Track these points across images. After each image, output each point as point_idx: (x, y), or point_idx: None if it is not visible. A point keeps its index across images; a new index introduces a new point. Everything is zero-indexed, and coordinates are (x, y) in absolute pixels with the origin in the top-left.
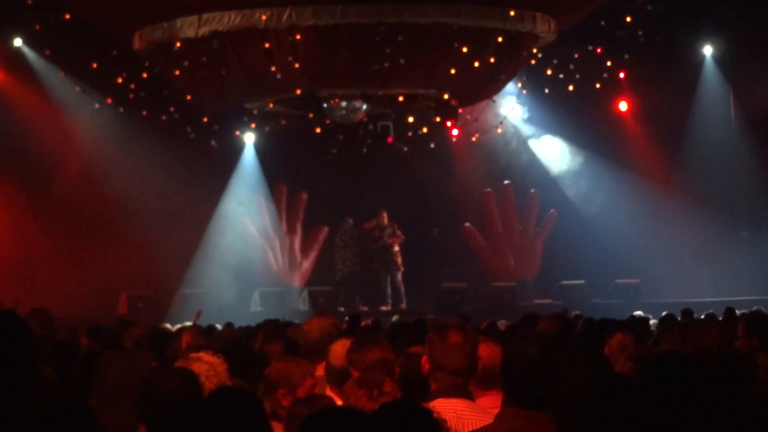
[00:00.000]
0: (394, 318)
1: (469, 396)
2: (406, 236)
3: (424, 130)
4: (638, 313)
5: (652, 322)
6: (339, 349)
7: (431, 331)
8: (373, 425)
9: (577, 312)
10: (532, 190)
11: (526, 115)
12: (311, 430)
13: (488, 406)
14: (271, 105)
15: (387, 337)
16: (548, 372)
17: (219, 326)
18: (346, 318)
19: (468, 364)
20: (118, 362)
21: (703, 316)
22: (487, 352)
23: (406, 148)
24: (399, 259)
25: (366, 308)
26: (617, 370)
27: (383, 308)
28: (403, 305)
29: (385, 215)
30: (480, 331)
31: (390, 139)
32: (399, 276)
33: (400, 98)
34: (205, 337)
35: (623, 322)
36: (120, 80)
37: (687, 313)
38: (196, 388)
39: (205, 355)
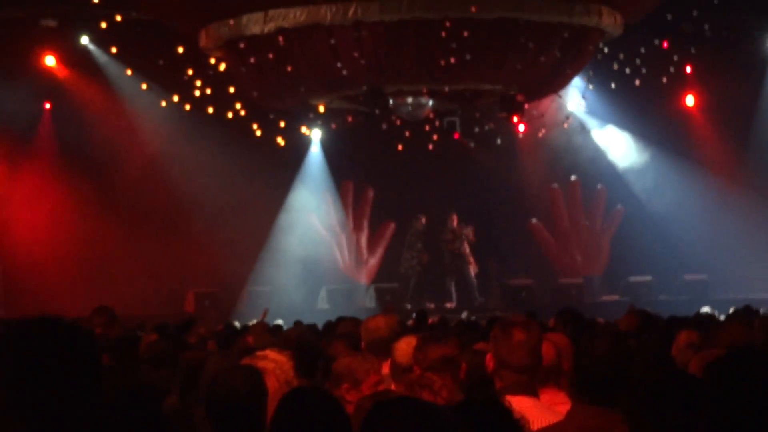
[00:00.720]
0: (464, 315)
1: (534, 393)
2: (473, 231)
3: (491, 125)
4: (706, 309)
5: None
6: (404, 346)
7: (496, 329)
8: (451, 419)
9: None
10: (599, 186)
11: (592, 111)
12: (379, 418)
13: (547, 402)
14: (336, 101)
15: (454, 334)
16: (619, 368)
17: (283, 324)
18: (414, 315)
19: (533, 362)
20: (211, 363)
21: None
22: (544, 349)
23: (472, 144)
24: (471, 258)
25: (432, 305)
26: (688, 368)
27: (448, 305)
28: (477, 302)
29: (455, 218)
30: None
31: (456, 135)
32: (472, 271)
33: (467, 94)
34: (272, 335)
35: (690, 319)
36: (186, 77)
37: (747, 310)
38: (262, 386)
39: (271, 353)
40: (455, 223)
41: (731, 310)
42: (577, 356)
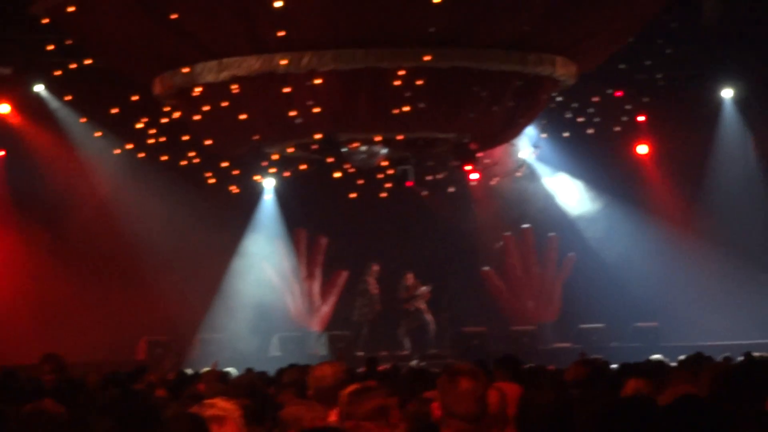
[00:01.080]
0: (413, 362)
1: None
2: (426, 280)
3: (444, 174)
4: (657, 356)
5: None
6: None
7: (442, 377)
8: None
9: (598, 356)
10: (551, 234)
11: (545, 159)
12: None
13: None
14: (290, 149)
15: (405, 382)
16: (563, 417)
17: (235, 371)
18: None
19: (479, 410)
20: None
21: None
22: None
23: (425, 192)
24: (426, 309)
25: (385, 353)
26: None
27: (401, 353)
28: (431, 349)
29: (410, 276)
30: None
31: (410, 184)
32: (429, 319)
33: (420, 142)
34: (222, 382)
35: (640, 366)
36: (140, 125)
37: (698, 357)
38: None
39: (219, 401)
40: (410, 281)
41: (681, 358)
42: (521, 405)
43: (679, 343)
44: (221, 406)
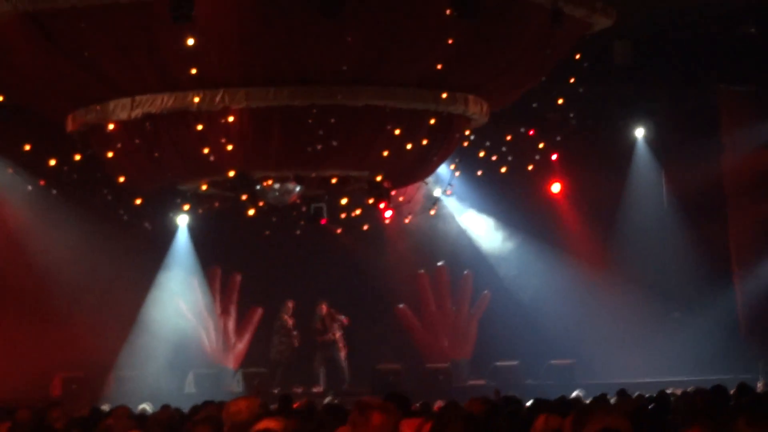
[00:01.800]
0: (327, 399)
1: None
2: (339, 317)
3: (357, 211)
4: (577, 393)
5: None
6: (262, 428)
7: (354, 411)
8: None
9: (512, 393)
10: (466, 272)
11: (459, 197)
12: None
13: None
14: (204, 187)
15: (320, 418)
16: None
17: (150, 408)
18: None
19: None
20: None
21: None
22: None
23: (339, 230)
24: (342, 344)
25: (300, 390)
26: None
27: (315, 390)
28: (346, 386)
29: (324, 306)
30: (412, 411)
31: (323, 221)
32: (343, 355)
33: (333, 180)
34: (134, 419)
35: (554, 403)
36: (53, 162)
37: (622, 393)
38: None
39: None
40: (324, 311)
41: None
42: None
43: (595, 380)
44: None
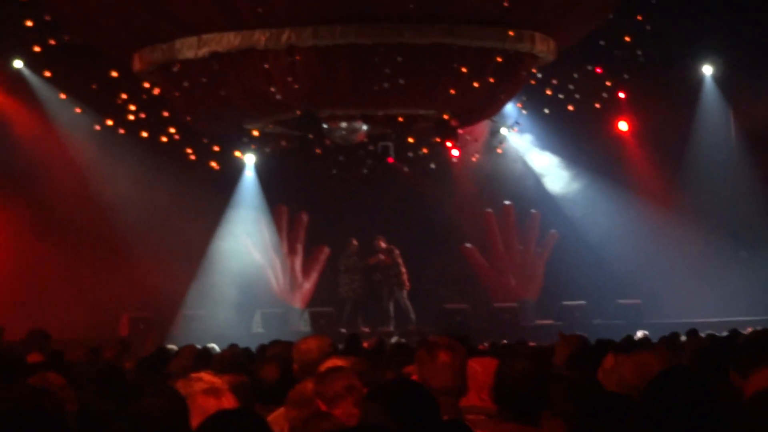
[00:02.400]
0: (394, 339)
1: (458, 415)
2: (406, 257)
3: (425, 150)
4: (642, 333)
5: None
6: (329, 365)
7: (421, 350)
8: None
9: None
10: (533, 211)
11: (526, 135)
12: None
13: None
14: (270, 126)
15: (388, 357)
16: (540, 387)
17: (217, 347)
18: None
19: (457, 384)
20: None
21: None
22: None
23: (406, 169)
24: (404, 277)
25: (368, 329)
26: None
27: (385, 329)
28: (412, 326)
29: (381, 241)
30: (479, 350)
31: (390, 160)
32: (404, 294)
33: (400, 119)
34: (201, 358)
35: (621, 343)
36: (119, 101)
37: (692, 333)
38: (182, 410)
39: (205, 376)
40: (382, 244)
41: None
42: (498, 374)
43: (663, 320)
44: (207, 380)
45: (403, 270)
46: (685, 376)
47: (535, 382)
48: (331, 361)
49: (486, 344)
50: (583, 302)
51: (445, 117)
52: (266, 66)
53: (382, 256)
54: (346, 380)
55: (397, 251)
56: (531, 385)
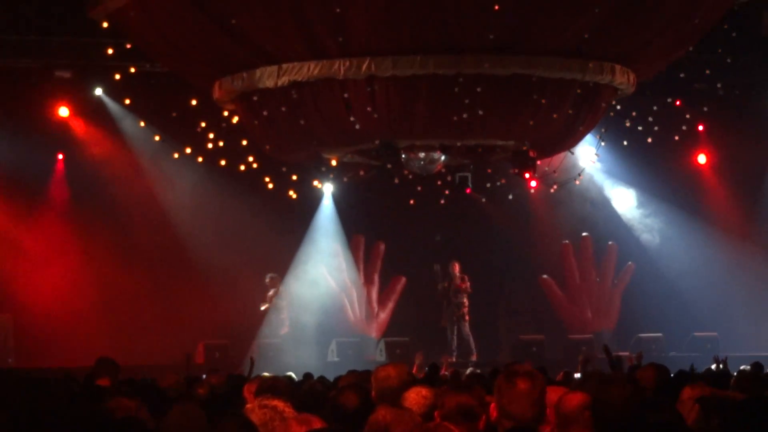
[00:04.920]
0: (469, 370)
1: None
2: (483, 288)
3: (502, 181)
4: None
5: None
6: (414, 396)
7: (500, 378)
8: None
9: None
10: (610, 243)
11: (604, 167)
12: None
13: None
14: (349, 155)
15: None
16: (637, 414)
17: (294, 376)
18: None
19: (536, 412)
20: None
21: None
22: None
23: (484, 199)
24: (466, 309)
25: (452, 359)
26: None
27: (449, 359)
28: (473, 357)
29: (456, 265)
30: (555, 382)
31: (468, 191)
32: (466, 327)
33: (479, 149)
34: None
35: (699, 375)
36: (199, 130)
37: (756, 366)
38: None
39: (270, 402)
40: (457, 270)
41: (741, 368)
42: (595, 403)
43: (739, 353)
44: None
45: (466, 302)
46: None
47: (633, 410)
48: (416, 389)
49: (561, 375)
50: (659, 334)
51: (524, 148)
52: (346, 95)
53: (445, 285)
54: (460, 399)
55: (467, 282)
56: (629, 412)
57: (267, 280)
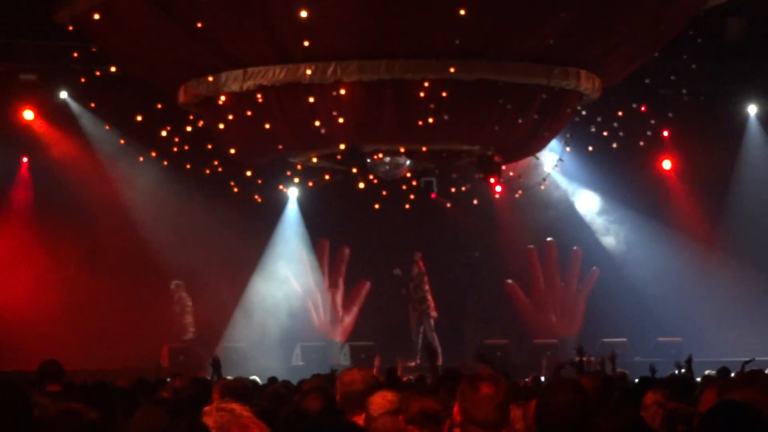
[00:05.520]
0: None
1: None
2: (448, 292)
3: (468, 186)
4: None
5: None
6: (379, 400)
7: (463, 382)
8: None
9: (621, 370)
10: (575, 248)
11: (569, 172)
12: None
13: None
14: (314, 160)
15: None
16: (581, 420)
17: (259, 380)
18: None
19: (499, 417)
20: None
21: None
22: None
23: (449, 204)
24: (429, 304)
25: (413, 363)
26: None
27: (411, 363)
28: (439, 361)
29: (419, 255)
30: (525, 386)
31: (433, 195)
32: (431, 324)
33: (444, 154)
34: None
35: (663, 380)
36: (164, 133)
37: (723, 371)
38: None
39: (228, 405)
40: (421, 264)
41: (707, 372)
42: (538, 409)
43: (703, 358)
44: (230, 408)
45: (430, 297)
46: (740, 408)
47: (578, 415)
48: (381, 393)
49: (527, 379)
50: (623, 339)
51: (489, 153)
52: (311, 100)
53: (403, 290)
54: (425, 404)
55: (419, 265)
56: (573, 418)
57: (172, 286)
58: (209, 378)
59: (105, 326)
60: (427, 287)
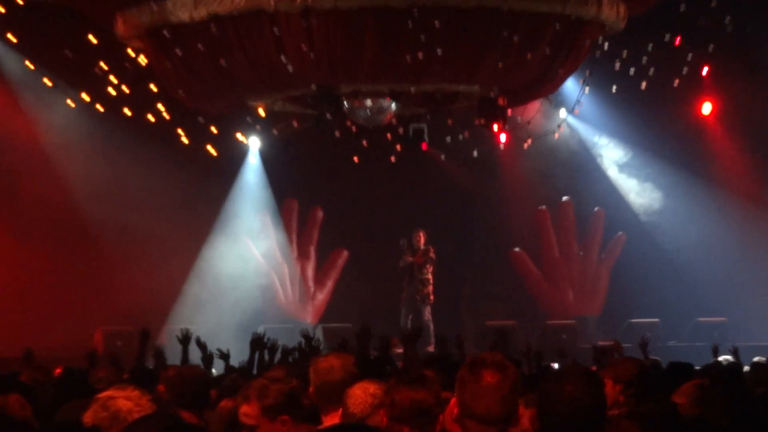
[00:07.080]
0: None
1: None
2: (443, 264)
3: (466, 134)
4: (725, 358)
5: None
6: (359, 393)
7: (463, 369)
8: None
9: (654, 357)
10: (597, 209)
11: (588, 118)
12: None
13: None
14: (280, 103)
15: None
16: (592, 414)
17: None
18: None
19: (505, 411)
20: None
21: None
22: None
23: (443, 157)
24: (431, 288)
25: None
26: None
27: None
28: (431, 348)
29: (421, 235)
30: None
31: (424, 146)
32: (428, 311)
33: (437, 96)
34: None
35: (703, 369)
36: (98, 72)
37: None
38: None
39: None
40: (423, 241)
41: (757, 359)
42: (541, 400)
43: (751, 342)
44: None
45: (431, 278)
46: None
47: (587, 408)
48: (362, 385)
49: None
50: (655, 320)
51: (492, 94)
52: (276, 31)
53: (409, 258)
54: (415, 396)
55: (432, 253)
56: (582, 411)
57: None
58: (153, 368)
59: (33, 303)
60: (430, 268)
